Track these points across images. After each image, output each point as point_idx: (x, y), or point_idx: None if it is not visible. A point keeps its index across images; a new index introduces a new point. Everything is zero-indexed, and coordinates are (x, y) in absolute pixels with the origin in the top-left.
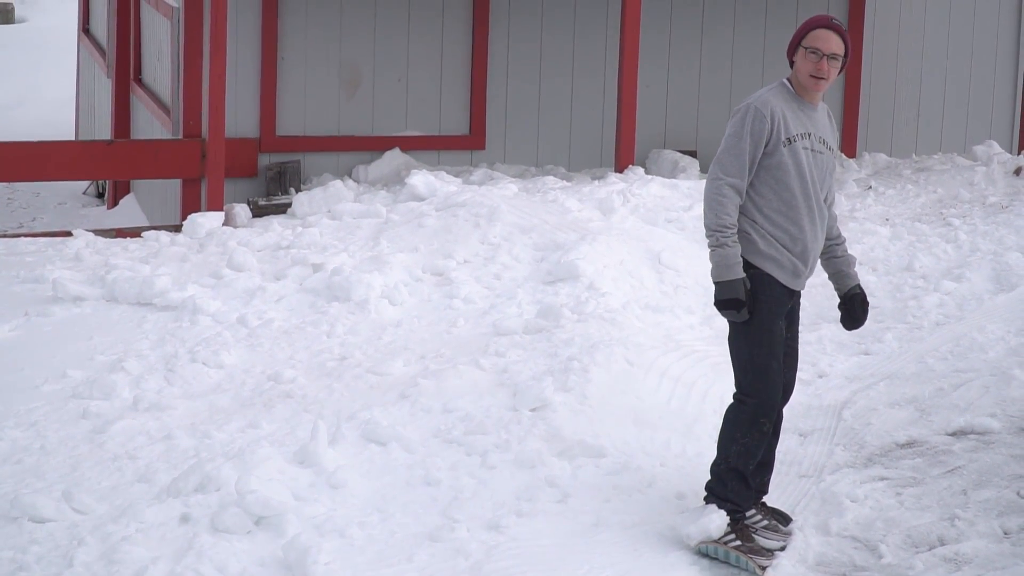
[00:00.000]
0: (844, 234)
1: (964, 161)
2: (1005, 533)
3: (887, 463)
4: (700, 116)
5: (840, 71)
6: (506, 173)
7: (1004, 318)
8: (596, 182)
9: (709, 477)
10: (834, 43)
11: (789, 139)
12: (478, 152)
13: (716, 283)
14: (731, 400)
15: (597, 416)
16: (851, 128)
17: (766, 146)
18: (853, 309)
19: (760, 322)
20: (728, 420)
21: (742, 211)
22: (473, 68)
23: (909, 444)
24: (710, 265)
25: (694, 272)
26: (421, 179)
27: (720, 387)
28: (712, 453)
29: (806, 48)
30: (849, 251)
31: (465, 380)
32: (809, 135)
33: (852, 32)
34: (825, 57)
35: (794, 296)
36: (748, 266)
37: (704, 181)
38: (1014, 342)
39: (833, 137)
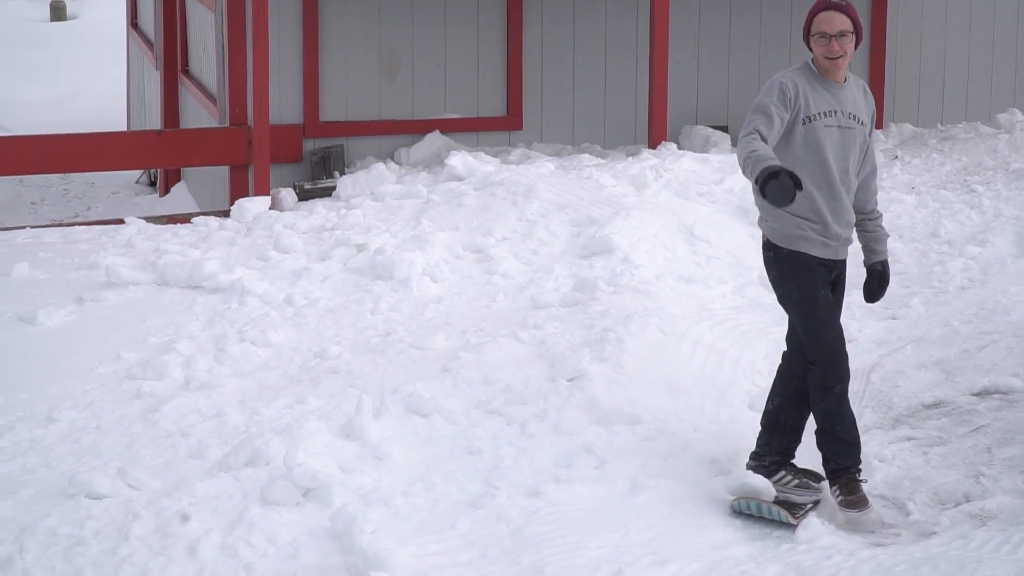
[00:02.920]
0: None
1: (988, 129)
2: None
3: (914, 424)
4: (730, 92)
5: (857, 44)
6: (543, 152)
7: None
8: (630, 158)
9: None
10: (838, 22)
11: (808, 118)
12: (516, 133)
13: (757, 180)
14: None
15: (632, 384)
16: (878, 100)
17: (791, 116)
18: (870, 284)
19: (803, 297)
20: (809, 387)
21: None
22: (509, 51)
23: (935, 405)
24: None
25: (726, 243)
26: (460, 160)
27: (751, 354)
28: (744, 417)
29: (814, 34)
30: (882, 227)
31: (505, 353)
32: (835, 112)
33: (877, 8)
34: (833, 37)
35: (835, 265)
36: (777, 248)
37: (735, 155)
38: None
39: (867, 111)
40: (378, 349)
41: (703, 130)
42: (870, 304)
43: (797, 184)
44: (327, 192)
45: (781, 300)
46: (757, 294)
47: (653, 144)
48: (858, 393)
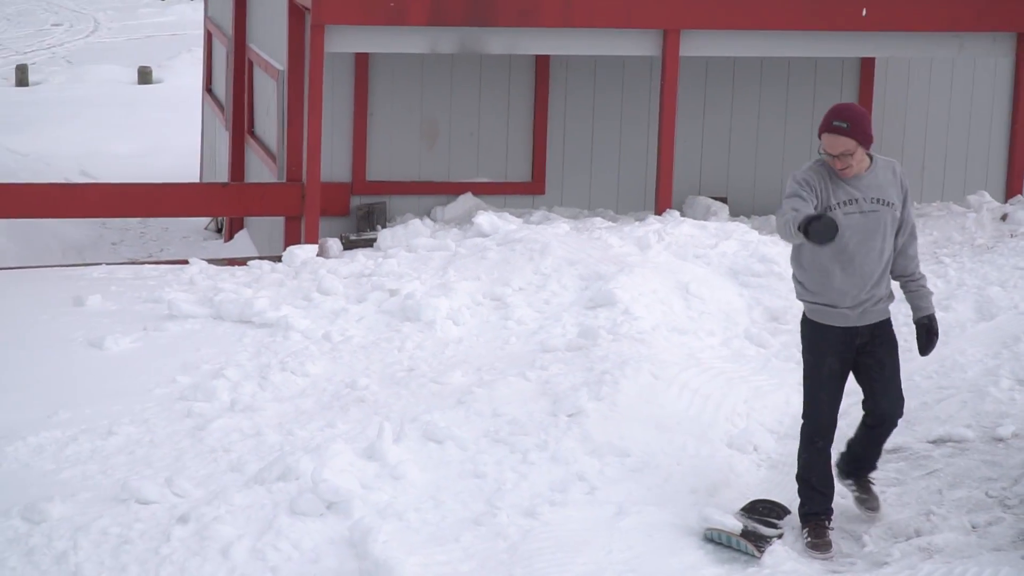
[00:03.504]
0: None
1: (958, 208)
2: (973, 527)
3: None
4: (730, 166)
5: (867, 146)
6: (562, 215)
7: (983, 343)
8: (636, 223)
9: None
10: (839, 144)
11: (828, 208)
12: (539, 196)
13: (800, 227)
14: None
15: (624, 422)
16: None
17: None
18: (920, 337)
19: (810, 360)
20: (800, 438)
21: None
22: (535, 125)
23: (895, 450)
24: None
25: (717, 300)
26: (486, 218)
27: (732, 399)
28: (722, 454)
29: (823, 152)
30: (925, 286)
31: (513, 389)
32: (855, 200)
33: (863, 98)
34: (837, 157)
35: (860, 331)
36: (805, 318)
37: (730, 223)
38: (990, 363)
39: (897, 190)
40: (402, 382)
41: (705, 200)
42: (924, 357)
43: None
44: (369, 243)
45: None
46: (741, 346)
47: (659, 211)
48: None
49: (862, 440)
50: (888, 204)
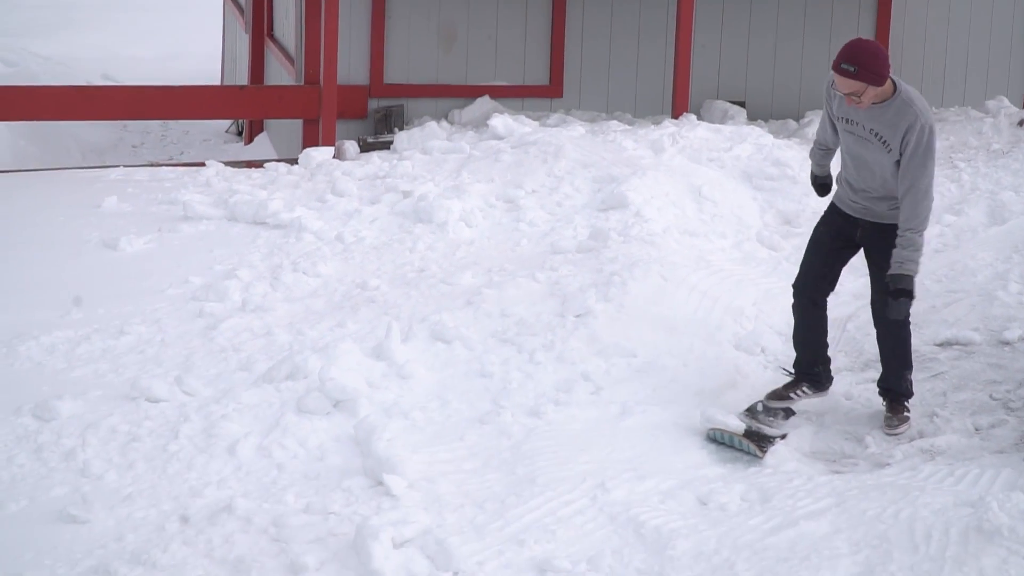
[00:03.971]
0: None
1: (976, 113)
2: (976, 429)
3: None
4: (748, 72)
5: (879, 86)
6: (579, 118)
7: (994, 247)
8: (652, 126)
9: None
10: (845, 86)
11: (836, 117)
12: (556, 100)
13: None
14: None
15: (632, 323)
16: None
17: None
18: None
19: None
20: None
21: None
22: (553, 27)
23: None
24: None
25: (729, 203)
26: (501, 121)
27: (741, 301)
28: (730, 356)
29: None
30: (902, 244)
31: (522, 290)
32: (854, 122)
33: (883, 7)
34: (846, 95)
35: (856, 222)
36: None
37: (745, 127)
38: (1000, 268)
39: (895, 134)
40: (412, 283)
41: (722, 104)
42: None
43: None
44: (386, 146)
45: None
46: (752, 249)
47: (676, 115)
48: (834, 340)
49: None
50: (881, 140)
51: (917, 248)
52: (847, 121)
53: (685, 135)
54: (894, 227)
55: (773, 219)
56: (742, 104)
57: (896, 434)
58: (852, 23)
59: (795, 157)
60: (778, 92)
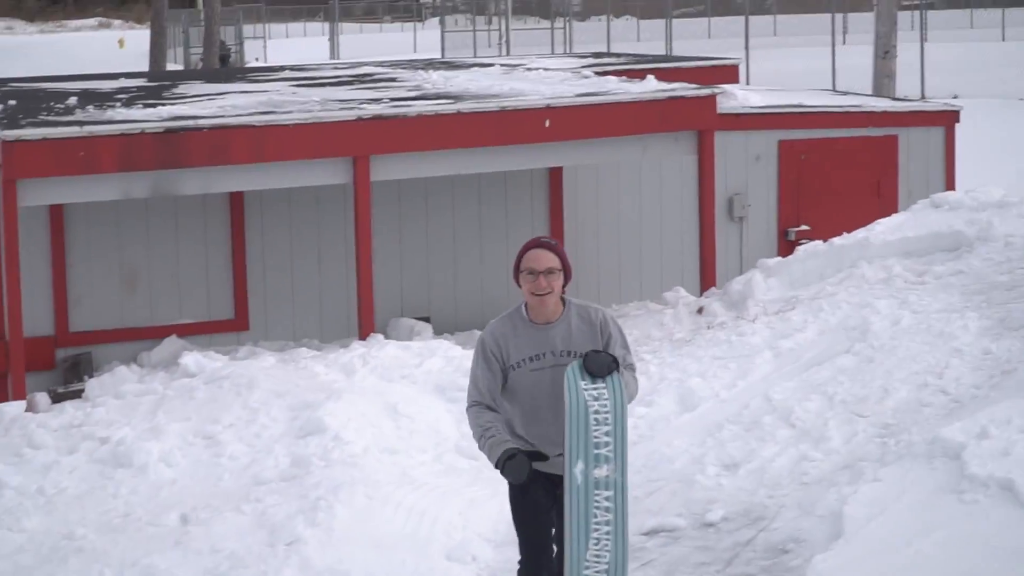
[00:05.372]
0: None
1: (655, 306)
2: None
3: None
4: (431, 287)
5: (566, 283)
6: (268, 348)
7: (688, 433)
8: (341, 349)
9: None
10: (545, 259)
11: (513, 366)
12: (244, 332)
13: (498, 468)
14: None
15: (342, 545)
16: None
17: (502, 366)
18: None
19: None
20: None
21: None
22: (234, 261)
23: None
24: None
25: (426, 418)
26: (191, 359)
27: (448, 512)
28: (442, 567)
29: (524, 271)
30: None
31: (229, 525)
32: (539, 356)
33: (554, 206)
34: (541, 274)
35: (550, 479)
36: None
37: (434, 341)
38: (696, 452)
39: (590, 339)
40: (119, 528)
41: (408, 321)
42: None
43: (532, 458)
44: (78, 394)
45: None
46: (453, 460)
47: (363, 336)
48: None
49: None
50: (577, 356)
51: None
52: (534, 358)
53: (375, 355)
54: None
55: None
56: (427, 319)
57: None
58: (527, 223)
59: None
60: (461, 304)
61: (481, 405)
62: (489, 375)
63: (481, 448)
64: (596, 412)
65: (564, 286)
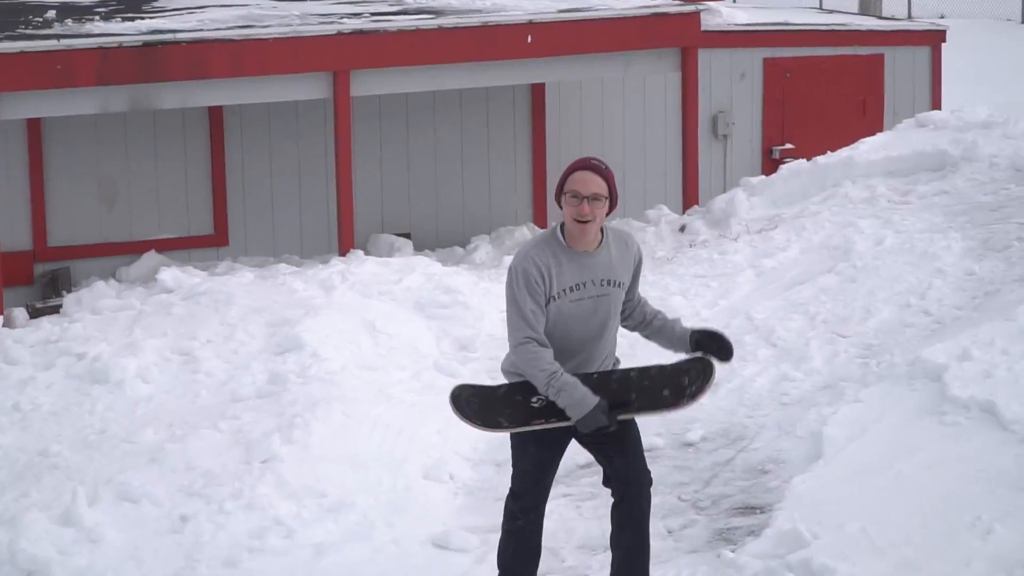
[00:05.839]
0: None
1: (638, 223)
2: (668, 531)
3: (570, 482)
4: (411, 203)
5: (610, 210)
6: (247, 264)
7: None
8: (320, 265)
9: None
10: (592, 184)
11: (554, 297)
12: (223, 248)
13: (578, 420)
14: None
15: (319, 463)
16: (541, 204)
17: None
18: (708, 347)
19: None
20: None
21: None
22: (214, 176)
23: (588, 464)
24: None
25: (405, 335)
26: (169, 274)
27: (425, 430)
28: (419, 486)
29: (567, 193)
30: (668, 317)
31: (206, 442)
32: (583, 284)
33: (536, 124)
34: (586, 199)
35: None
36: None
37: (414, 258)
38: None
39: (627, 267)
40: (95, 445)
41: (388, 237)
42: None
43: (607, 415)
44: (56, 310)
45: None
46: (432, 378)
47: (343, 252)
48: None
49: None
50: (618, 284)
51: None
52: (575, 288)
53: (354, 271)
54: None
55: (449, 346)
56: (408, 236)
57: None
58: (509, 140)
59: (465, 283)
60: (442, 220)
61: (534, 342)
62: (536, 307)
63: (545, 391)
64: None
65: (608, 214)
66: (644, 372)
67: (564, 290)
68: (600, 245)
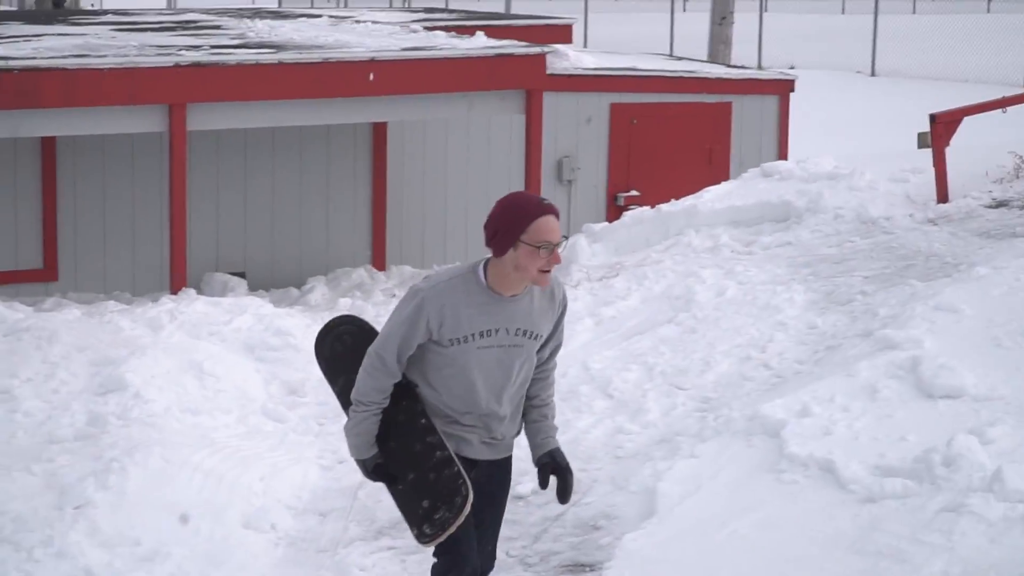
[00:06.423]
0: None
1: None
2: None
3: (394, 535)
4: (247, 242)
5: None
6: (76, 301)
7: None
8: (151, 303)
9: None
10: (558, 229)
11: (458, 339)
12: (52, 284)
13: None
14: None
15: (135, 509)
16: (380, 246)
17: (431, 337)
18: (547, 481)
19: None
20: None
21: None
22: (44, 208)
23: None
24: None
25: (232, 377)
26: None
27: (247, 477)
28: (238, 535)
29: (534, 244)
30: (551, 418)
31: (18, 485)
32: (491, 332)
33: (377, 162)
34: (556, 247)
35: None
36: None
37: (245, 298)
38: None
39: (550, 319)
40: None
41: (222, 276)
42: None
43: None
44: None
45: None
46: (258, 423)
47: (174, 290)
48: (345, 509)
49: None
50: (534, 336)
51: None
52: (485, 334)
53: (183, 310)
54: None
55: (278, 390)
56: (243, 275)
57: None
58: (349, 180)
59: (297, 325)
60: (278, 260)
61: (385, 368)
62: (410, 340)
63: (350, 415)
64: None
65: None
66: (441, 469)
67: (471, 335)
68: (524, 290)
